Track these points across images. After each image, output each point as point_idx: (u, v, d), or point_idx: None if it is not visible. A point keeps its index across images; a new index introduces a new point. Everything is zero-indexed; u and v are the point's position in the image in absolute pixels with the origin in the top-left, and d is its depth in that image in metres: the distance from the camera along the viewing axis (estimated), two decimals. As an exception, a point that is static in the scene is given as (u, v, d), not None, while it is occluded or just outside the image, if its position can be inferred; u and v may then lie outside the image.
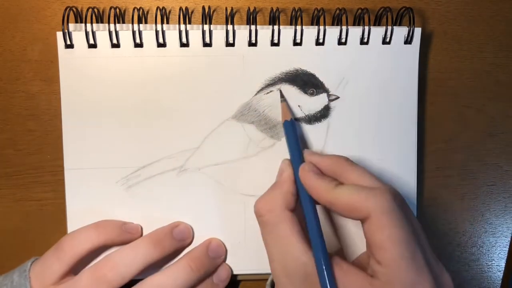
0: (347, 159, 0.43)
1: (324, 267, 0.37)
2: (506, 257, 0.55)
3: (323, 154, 0.44)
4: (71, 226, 0.49)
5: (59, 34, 0.48)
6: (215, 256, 0.49)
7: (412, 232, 0.36)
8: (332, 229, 0.50)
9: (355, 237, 0.49)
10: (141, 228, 0.49)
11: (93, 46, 0.48)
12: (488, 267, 0.55)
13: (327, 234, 0.49)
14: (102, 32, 0.48)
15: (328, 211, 0.49)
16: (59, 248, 0.45)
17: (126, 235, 0.47)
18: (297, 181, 0.43)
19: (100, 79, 0.48)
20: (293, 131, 0.46)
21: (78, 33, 0.48)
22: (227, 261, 0.50)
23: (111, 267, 0.44)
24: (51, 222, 0.51)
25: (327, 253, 0.38)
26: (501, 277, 0.55)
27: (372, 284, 0.36)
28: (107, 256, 0.45)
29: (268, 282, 0.47)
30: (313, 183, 0.41)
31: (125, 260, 0.44)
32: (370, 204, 0.37)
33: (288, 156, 0.47)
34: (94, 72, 0.48)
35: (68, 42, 0.48)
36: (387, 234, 0.35)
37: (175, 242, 0.48)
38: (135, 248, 0.45)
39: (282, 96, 0.49)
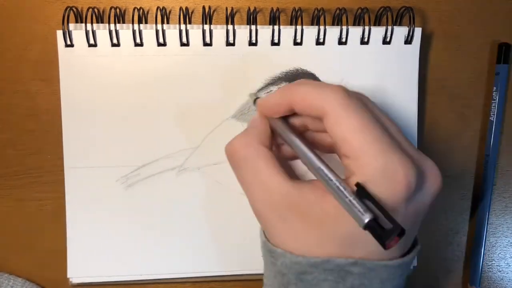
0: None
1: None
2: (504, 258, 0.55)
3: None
4: (71, 224, 0.49)
5: (59, 33, 0.48)
6: None
7: (373, 119, 0.35)
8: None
9: None
10: None
11: (93, 45, 0.48)
12: (488, 267, 0.55)
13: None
14: (102, 31, 0.48)
15: None
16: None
17: None
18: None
19: (100, 78, 0.48)
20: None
21: (78, 32, 0.48)
22: (226, 261, 0.50)
23: None
24: (51, 222, 0.51)
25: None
26: (501, 277, 0.55)
27: (349, 182, 0.34)
28: None
29: (261, 230, 0.45)
30: (269, 101, 0.40)
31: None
32: (325, 99, 0.35)
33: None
34: (94, 71, 0.48)
35: (68, 41, 0.48)
36: (346, 125, 0.34)
37: None
38: None
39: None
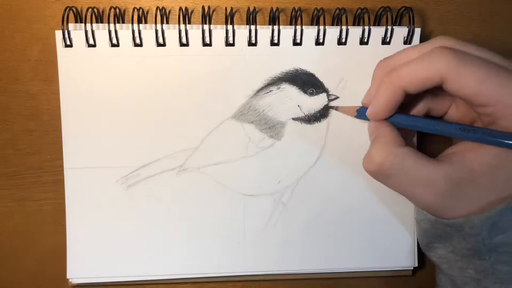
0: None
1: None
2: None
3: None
4: (71, 225, 0.49)
5: (58, 33, 0.48)
6: None
7: (489, 63, 0.37)
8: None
9: None
10: None
11: (92, 45, 0.48)
12: (488, 267, 0.55)
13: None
14: (101, 32, 0.48)
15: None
16: None
17: None
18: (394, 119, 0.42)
19: (99, 78, 0.48)
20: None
21: (77, 32, 0.48)
22: (226, 261, 0.50)
23: None
24: (51, 222, 0.51)
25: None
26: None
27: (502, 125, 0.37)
28: None
29: (416, 216, 0.45)
30: (378, 101, 0.41)
31: None
32: (439, 67, 0.37)
33: (287, 158, 0.47)
34: (93, 71, 0.48)
35: (68, 41, 0.48)
36: (473, 80, 0.36)
37: None
38: None
39: (334, 107, 0.49)
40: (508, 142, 0.36)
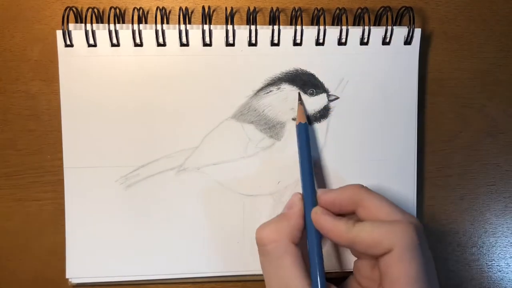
0: (362, 187, 0.43)
1: None
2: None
3: (336, 189, 0.44)
4: (70, 224, 0.49)
5: (59, 33, 0.48)
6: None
7: (427, 270, 0.37)
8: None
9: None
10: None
11: (93, 45, 0.48)
12: (488, 267, 0.55)
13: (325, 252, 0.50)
14: (101, 32, 0.48)
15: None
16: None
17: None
18: (306, 213, 0.43)
19: (99, 78, 0.48)
20: (305, 134, 0.47)
21: (78, 32, 0.48)
22: (226, 262, 0.50)
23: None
24: (51, 222, 0.51)
25: None
26: (501, 277, 0.55)
27: None
28: None
29: None
30: (330, 225, 0.41)
31: None
32: (393, 239, 0.37)
33: (287, 158, 0.47)
34: (93, 71, 0.48)
35: (68, 41, 0.48)
36: (405, 271, 0.36)
37: None
38: None
39: (300, 98, 0.49)
40: None
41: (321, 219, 0.42)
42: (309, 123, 0.49)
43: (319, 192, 0.44)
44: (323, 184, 0.50)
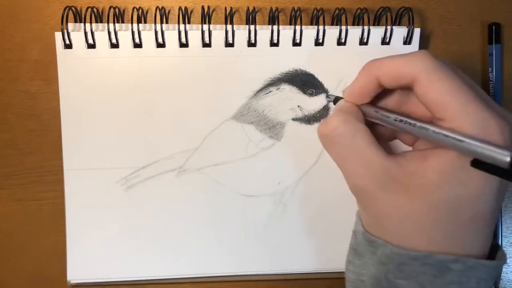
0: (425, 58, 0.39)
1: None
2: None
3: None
4: (70, 226, 0.49)
5: (58, 35, 0.48)
6: None
7: (463, 81, 0.35)
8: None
9: None
10: None
11: (92, 46, 0.48)
12: (487, 266, 0.55)
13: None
14: (101, 33, 0.48)
15: None
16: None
17: None
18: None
19: (99, 79, 0.48)
20: None
21: (77, 33, 0.48)
22: (226, 262, 0.50)
23: None
24: (51, 222, 0.51)
25: None
26: (501, 277, 0.55)
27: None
28: None
29: (358, 218, 0.44)
30: (357, 83, 0.40)
31: None
32: (414, 66, 0.36)
33: (287, 158, 0.47)
34: (93, 72, 0.48)
35: (67, 42, 0.48)
36: (439, 88, 0.35)
37: None
38: None
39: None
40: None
41: (349, 89, 0.40)
42: (308, 123, 0.50)
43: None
44: (322, 184, 0.50)
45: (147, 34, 0.48)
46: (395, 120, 0.38)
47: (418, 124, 0.37)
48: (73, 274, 0.50)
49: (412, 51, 0.38)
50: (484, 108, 0.34)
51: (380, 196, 0.37)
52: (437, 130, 0.35)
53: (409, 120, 0.38)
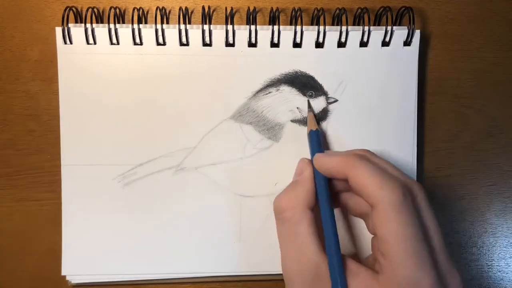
0: (368, 151, 0.44)
1: (336, 269, 0.38)
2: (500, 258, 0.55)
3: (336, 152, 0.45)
4: (67, 222, 0.49)
5: (58, 30, 0.48)
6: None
7: (418, 229, 0.37)
8: (347, 231, 0.50)
9: (369, 240, 0.50)
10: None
11: (92, 44, 0.48)
12: (488, 267, 0.55)
13: (342, 236, 0.50)
14: (101, 29, 0.48)
15: (344, 214, 0.50)
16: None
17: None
18: (316, 181, 0.44)
19: (98, 76, 0.48)
20: (317, 141, 0.47)
21: (77, 30, 0.48)
22: (224, 261, 0.50)
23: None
24: (51, 222, 0.51)
25: (340, 254, 0.39)
26: (501, 277, 0.55)
27: (378, 280, 0.37)
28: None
29: None
30: (331, 162, 0.42)
31: None
32: (381, 194, 0.37)
33: (285, 159, 0.47)
34: (92, 69, 0.48)
35: (67, 39, 0.48)
36: (392, 230, 0.36)
37: None
38: None
39: (309, 106, 0.49)
40: None
41: (321, 160, 0.43)
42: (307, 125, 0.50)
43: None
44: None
45: (148, 32, 0.48)
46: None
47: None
48: (69, 271, 0.50)
49: (387, 178, 0.39)
50: (425, 267, 0.36)
51: (299, 286, 0.40)
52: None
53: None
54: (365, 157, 0.41)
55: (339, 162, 0.41)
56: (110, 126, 0.49)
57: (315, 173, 0.44)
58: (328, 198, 0.42)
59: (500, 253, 0.55)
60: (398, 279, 0.35)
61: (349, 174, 0.40)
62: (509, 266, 0.55)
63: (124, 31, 0.48)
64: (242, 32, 0.49)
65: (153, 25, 0.48)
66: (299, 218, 0.41)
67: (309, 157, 0.47)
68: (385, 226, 0.36)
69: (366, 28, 0.49)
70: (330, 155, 0.43)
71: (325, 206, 0.42)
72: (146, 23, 0.50)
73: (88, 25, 0.48)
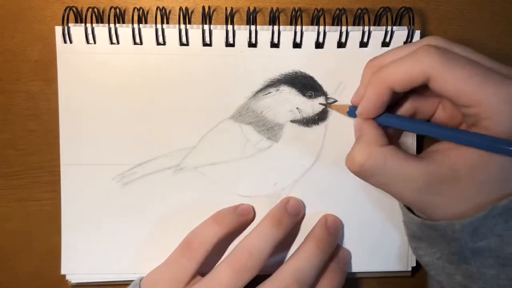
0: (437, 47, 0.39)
1: None
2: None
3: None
4: (66, 221, 0.49)
5: (58, 29, 0.48)
6: (335, 233, 0.49)
7: (473, 63, 0.37)
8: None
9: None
10: (252, 207, 0.49)
11: (92, 43, 0.48)
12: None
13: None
14: (101, 29, 0.48)
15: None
16: (187, 248, 0.45)
17: (241, 218, 0.48)
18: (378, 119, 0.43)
19: (98, 75, 0.49)
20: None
21: (77, 29, 0.48)
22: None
23: (248, 255, 0.44)
24: (51, 222, 0.51)
25: None
26: None
27: (485, 126, 0.36)
28: (240, 246, 0.45)
29: (403, 219, 0.46)
30: (368, 98, 0.41)
31: (257, 246, 0.44)
32: (424, 66, 0.37)
33: (285, 160, 0.48)
34: (92, 68, 0.48)
35: (67, 38, 0.48)
36: (455, 79, 0.36)
37: (292, 218, 0.48)
38: (261, 234, 0.45)
39: (327, 100, 0.50)
40: (493, 145, 0.36)
41: (361, 107, 0.42)
42: (307, 125, 0.50)
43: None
44: (319, 187, 0.50)
45: (148, 31, 0.48)
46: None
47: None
48: (68, 270, 0.50)
49: (415, 44, 0.39)
50: (502, 81, 0.35)
51: (434, 199, 0.39)
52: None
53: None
54: (442, 48, 0.38)
55: (414, 68, 0.38)
56: (110, 126, 0.49)
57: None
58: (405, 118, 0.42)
59: (500, 253, 0.55)
60: (496, 111, 0.35)
61: (432, 79, 0.37)
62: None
63: (124, 30, 0.48)
64: (242, 32, 0.49)
65: (153, 25, 0.48)
66: (381, 158, 0.39)
67: (307, 158, 0.47)
68: (448, 81, 0.36)
69: (366, 28, 0.49)
70: (394, 60, 0.40)
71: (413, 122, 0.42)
72: (146, 23, 0.50)
73: (88, 25, 0.48)
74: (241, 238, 0.46)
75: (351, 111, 0.45)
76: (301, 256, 0.45)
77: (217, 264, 0.44)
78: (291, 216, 0.48)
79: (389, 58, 0.41)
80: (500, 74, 0.36)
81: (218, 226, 0.46)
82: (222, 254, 0.48)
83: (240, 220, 0.48)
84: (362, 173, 0.41)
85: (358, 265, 0.51)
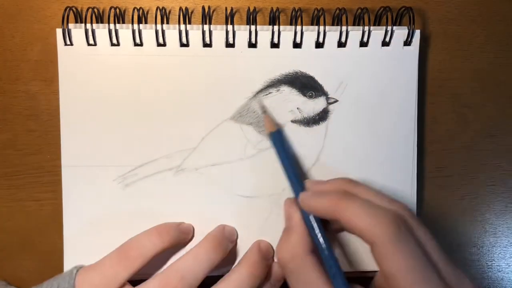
0: (350, 181, 0.44)
1: None
2: (505, 257, 0.55)
3: (323, 181, 0.45)
4: (67, 223, 0.49)
5: (59, 31, 0.48)
6: (268, 257, 0.49)
7: (421, 255, 0.37)
8: (341, 248, 0.51)
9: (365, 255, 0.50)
10: (193, 228, 0.49)
11: (93, 45, 0.48)
12: (488, 267, 0.55)
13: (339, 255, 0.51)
14: (101, 31, 0.48)
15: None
16: (124, 255, 0.45)
17: (182, 235, 0.48)
18: (307, 222, 0.44)
19: (99, 77, 0.48)
20: (280, 141, 0.47)
21: (77, 31, 0.48)
22: (223, 262, 0.50)
23: (180, 278, 0.43)
24: (51, 222, 0.51)
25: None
26: (501, 277, 0.55)
27: None
28: (173, 267, 0.44)
29: None
30: (317, 203, 0.42)
31: (191, 269, 0.44)
32: (376, 229, 0.37)
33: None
34: (93, 70, 0.48)
35: (68, 40, 0.48)
36: (395, 262, 0.36)
37: (230, 243, 0.48)
38: (198, 256, 0.45)
39: (263, 107, 0.50)
40: None
41: (307, 199, 0.43)
42: (307, 125, 0.50)
43: (307, 183, 0.46)
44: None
45: (148, 33, 0.48)
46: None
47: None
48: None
49: (379, 212, 0.38)
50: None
51: None
52: None
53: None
54: (350, 193, 0.41)
55: (327, 206, 0.40)
56: (110, 127, 0.49)
57: (304, 213, 0.44)
58: (323, 237, 0.42)
59: (500, 253, 0.55)
60: None
61: (339, 217, 0.39)
62: (509, 266, 0.55)
63: (125, 32, 0.48)
64: (242, 33, 0.49)
65: (153, 26, 0.48)
66: (302, 266, 0.41)
67: (307, 158, 0.47)
68: (388, 261, 0.36)
69: (366, 28, 0.49)
70: (316, 197, 0.42)
71: (323, 249, 0.42)
72: (146, 23, 0.50)
73: (89, 26, 0.48)
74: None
75: (274, 136, 0.47)
76: (233, 284, 0.46)
77: (146, 282, 0.44)
78: (229, 241, 0.48)
79: (367, 194, 0.42)
80: (436, 284, 0.36)
81: (160, 239, 0.45)
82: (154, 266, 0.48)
83: (181, 237, 0.48)
84: (283, 269, 0.43)
85: (356, 265, 0.51)
